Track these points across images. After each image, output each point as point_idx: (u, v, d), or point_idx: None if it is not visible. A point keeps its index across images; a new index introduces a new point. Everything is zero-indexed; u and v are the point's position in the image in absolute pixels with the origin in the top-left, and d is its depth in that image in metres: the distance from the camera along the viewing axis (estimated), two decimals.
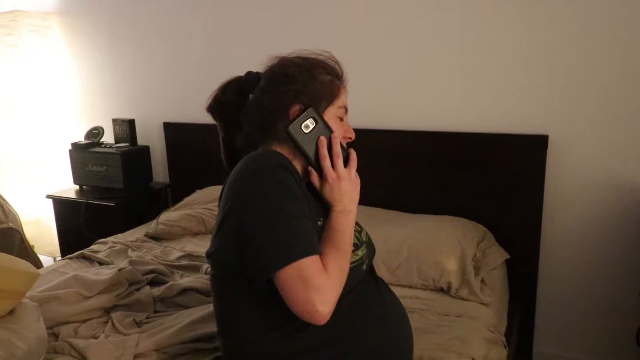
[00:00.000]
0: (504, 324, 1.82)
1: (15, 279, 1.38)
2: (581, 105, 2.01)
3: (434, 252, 1.88)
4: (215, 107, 1.20)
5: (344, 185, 1.08)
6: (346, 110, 1.16)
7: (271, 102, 1.10)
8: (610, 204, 2.04)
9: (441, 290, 1.83)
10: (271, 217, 0.95)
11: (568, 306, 2.18)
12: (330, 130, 1.09)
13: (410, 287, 1.86)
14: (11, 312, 1.39)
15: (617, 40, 1.92)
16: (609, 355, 2.14)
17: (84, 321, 1.59)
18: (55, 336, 1.51)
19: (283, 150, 1.09)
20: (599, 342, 2.16)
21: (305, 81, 1.10)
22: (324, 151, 1.08)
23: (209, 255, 1.08)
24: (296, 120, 1.06)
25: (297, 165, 1.10)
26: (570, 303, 2.18)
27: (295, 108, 1.08)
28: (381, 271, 1.84)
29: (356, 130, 1.18)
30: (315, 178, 1.10)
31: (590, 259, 2.11)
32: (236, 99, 1.18)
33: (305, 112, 1.07)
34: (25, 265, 1.47)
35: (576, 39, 1.97)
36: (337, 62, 1.16)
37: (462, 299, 1.77)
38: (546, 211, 2.11)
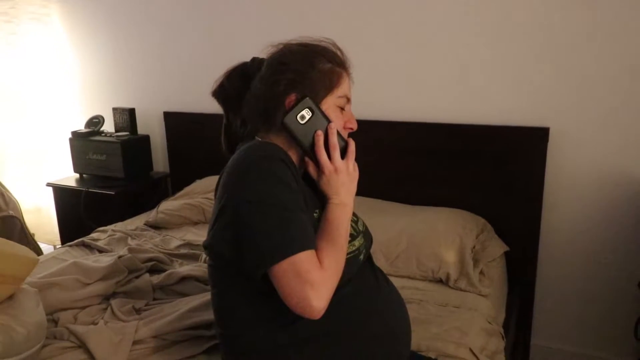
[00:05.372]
0: (502, 316, 1.83)
1: (13, 264, 1.39)
2: (582, 97, 2.01)
3: (432, 244, 1.89)
4: (219, 92, 1.18)
5: (341, 177, 1.06)
6: (348, 99, 1.12)
7: (267, 90, 1.07)
8: (610, 196, 2.04)
9: (440, 281, 1.83)
10: (266, 211, 0.94)
11: (566, 298, 2.19)
12: (328, 121, 1.05)
13: (409, 277, 1.86)
14: (10, 297, 1.39)
15: (618, 33, 1.91)
16: (606, 347, 2.15)
17: (84, 308, 1.60)
18: (55, 322, 1.52)
19: (279, 139, 1.08)
20: (596, 334, 2.16)
21: (303, 70, 1.06)
22: (320, 144, 1.04)
23: (206, 246, 1.07)
24: (292, 111, 1.03)
25: (294, 156, 1.08)
26: (568, 295, 2.18)
27: (292, 97, 1.05)
28: (380, 262, 1.85)
29: (357, 121, 1.15)
30: (312, 169, 1.08)
31: (589, 251, 2.11)
32: (240, 85, 1.15)
33: (301, 102, 1.03)
34: (24, 250, 1.47)
35: (577, 32, 1.96)
36: (339, 49, 1.12)
37: (461, 290, 1.78)
38: (546, 204, 2.11)
